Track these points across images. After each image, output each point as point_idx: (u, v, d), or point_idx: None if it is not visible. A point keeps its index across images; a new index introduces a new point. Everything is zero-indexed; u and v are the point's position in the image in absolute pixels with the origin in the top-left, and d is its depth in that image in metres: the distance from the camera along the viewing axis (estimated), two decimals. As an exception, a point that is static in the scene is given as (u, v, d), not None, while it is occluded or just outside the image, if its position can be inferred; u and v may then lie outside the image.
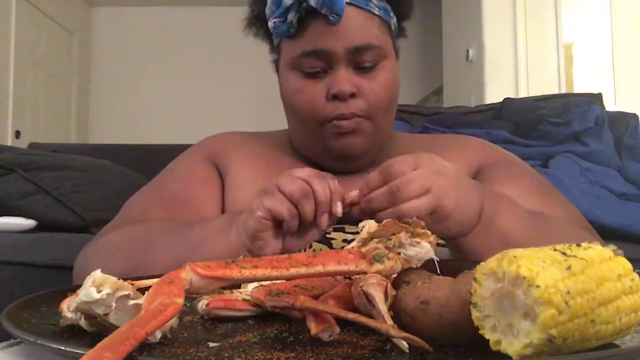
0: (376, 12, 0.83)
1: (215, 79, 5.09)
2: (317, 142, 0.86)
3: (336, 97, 0.81)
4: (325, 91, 0.81)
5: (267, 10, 0.84)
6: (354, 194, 0.61)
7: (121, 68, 5.10)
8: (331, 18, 0.78)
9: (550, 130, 1.67)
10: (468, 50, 3.42)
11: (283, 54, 0.86)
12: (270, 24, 0.84)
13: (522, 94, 3.09)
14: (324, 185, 0.60)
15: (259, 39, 0.92)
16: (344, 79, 0.80)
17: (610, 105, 2.68)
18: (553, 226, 0.72)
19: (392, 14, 0.86)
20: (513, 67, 3.21)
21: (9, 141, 3.76)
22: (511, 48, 3.21)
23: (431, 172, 0.58)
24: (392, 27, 0.87)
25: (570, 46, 3.56)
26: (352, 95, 0.81)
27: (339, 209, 0.60)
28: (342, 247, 0.71)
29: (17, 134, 3.91)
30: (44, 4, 4.25)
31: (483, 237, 0.63)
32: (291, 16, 0.80)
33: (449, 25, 3.86)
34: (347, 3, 0.79)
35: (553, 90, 3.06)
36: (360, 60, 0.81)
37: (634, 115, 1.80)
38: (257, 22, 0.89)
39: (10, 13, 3.83)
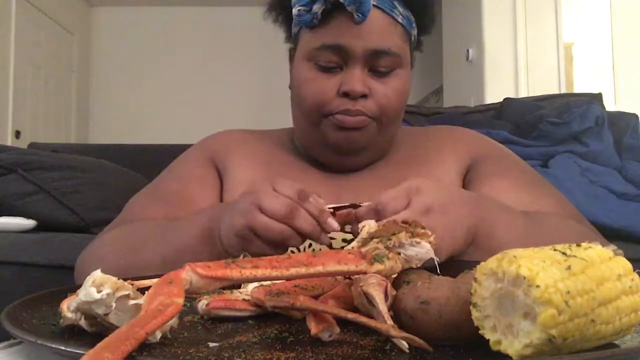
0: (400, 20, 0.83)
1: (215, 79, 5.09)
2: (316, 133, 0.86)
3: (346, 95, 0.81)
4: (337, 87, 0.81)
5: None
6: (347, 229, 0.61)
7: (121, 68, 5.10)
8: (356, 17, 0.78)
9: (550, 130, 1.68)
10: (468, 50, 3.42)
11: (301, 44, 0.86)
12: (294, 10, 0.83)
13: (522, 94, 3.09)
14: (304, 219, 0.58)
15: (277, 25, 0.91)
16: (358, 78, 0.80)
17: (610, 105, 2.68)
18: (549, 229, 0.72)
19: (414, 24, 0.86)
20: (513, 67, 3.21)
21: (9, 141, 3.76)
22: (511, 48, 3.21)
23: (420, 213, 0.58)
24: (412, 38, 0.87)
25: (570, 46, 3.56)
26: (363, 96, 0.81)
27: (333, 225, 0.60)
28: (342, 247, 0.71)
29: (17, 134, 3.92)
30: (44, 4, 4.25)
31: (478, 256, 0.63)
32: (317, 7, 0.80)
33: (449, 25, 3.86)
34: (373, 5, 0.79)
35: (553, 90, 3.06)
36: (376, 63, 0.81)
37: (634, 115, 1.80)
38: (278, 7, 0.89)
39: (10, 13, 3.83)
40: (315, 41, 0.82)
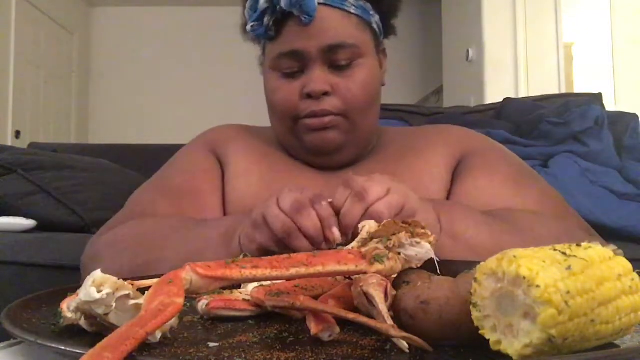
0: (352, 11, 0.83)
1: (215, 79, 5.09)
2: (293, 138, 0.87)
3: (310, 96, 0.82)
4: (300, 90, 0.83)
5: (246, 14, 0.86)
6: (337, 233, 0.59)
7: (121, 68, 5.10)
8: (302, 19, 0.79)
9: (550, 130, 1.67)
10: (468, 50, 3.42)
11: (266, 56, 0.88)
12: (248, 27, 0.85)
13: (522, 94, 3.08)
14: (310, 218, 0.59)
15: (254, 44, 0.93)
16: (318, 78, 0.81)
17: (610, 105, 2.67)
18: (515, 223, 0.72)
19: (372, 12, 0.86)
20: (513, 67, 3.21)
21: (9, 141, 3.75)
22: (511, 48, 3.21)
23: (386, 178, 0.61)
24: (374, 26, 0.87)
25: (570, 46, 3.55)
26: (326, 94, 0.82)
27: (336, 234, 0.59)
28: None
29: (17, 134, 3.91)
30: (44, 4, 4.25)
31: (449, 246, 0.65)
32: (267, 19, 0.82)
33: (449, 25, 3.86)
34: (320, 3, 0.80)
35: (553, 90, 3.06)
36: (334, 58, 0.82)
37: (634, 116, 1.80)
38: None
39: (10, 13, 3.83)
40: (275, 51, 0.84)
